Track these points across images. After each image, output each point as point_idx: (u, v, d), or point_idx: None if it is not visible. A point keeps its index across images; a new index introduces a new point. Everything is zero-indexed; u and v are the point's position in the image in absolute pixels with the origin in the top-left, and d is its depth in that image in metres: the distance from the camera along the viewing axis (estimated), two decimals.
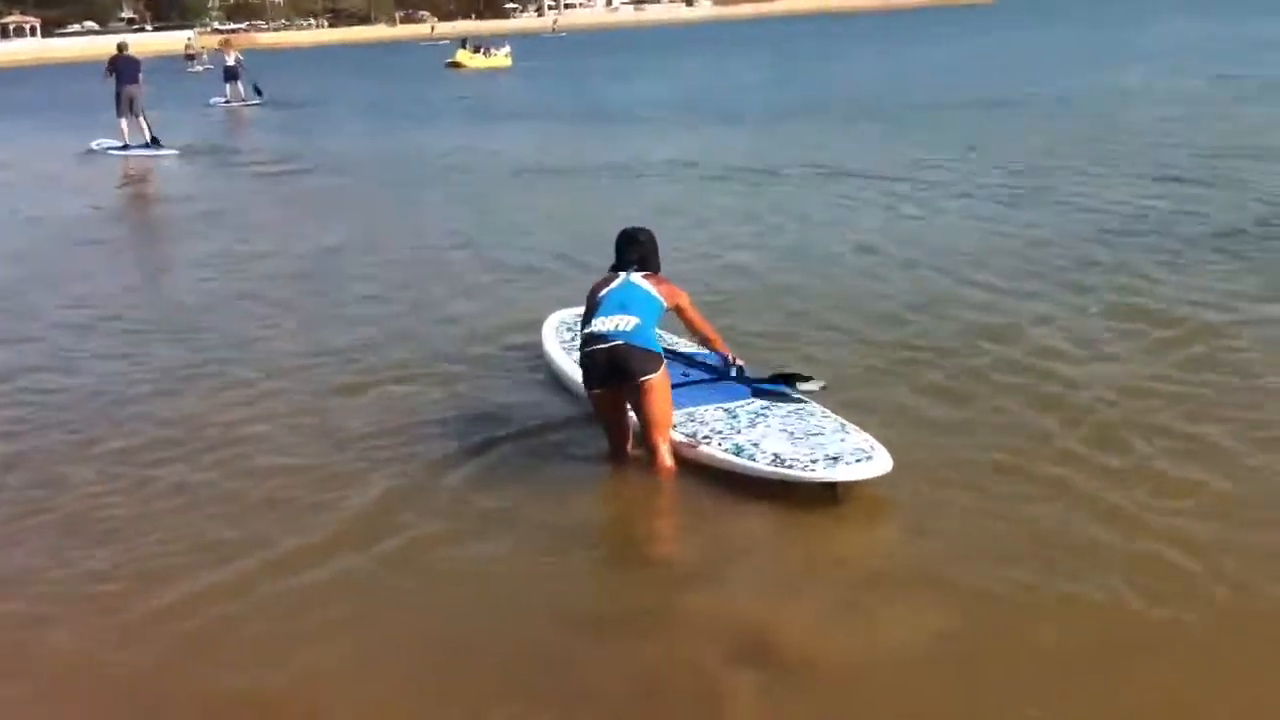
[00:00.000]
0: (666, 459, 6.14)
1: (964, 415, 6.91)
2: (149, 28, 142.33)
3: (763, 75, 38.94)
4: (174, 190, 19.81)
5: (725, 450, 6.00)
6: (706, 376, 6.92)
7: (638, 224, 6.90)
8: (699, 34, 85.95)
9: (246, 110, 35.58)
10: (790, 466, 5.73)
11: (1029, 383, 7.38)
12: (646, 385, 6.07)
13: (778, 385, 6.66)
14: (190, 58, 66.48)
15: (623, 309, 6.22)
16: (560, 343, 7.83)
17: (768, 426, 6.19)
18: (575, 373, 6.98)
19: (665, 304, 6.41)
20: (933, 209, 13.55)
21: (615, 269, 6.57)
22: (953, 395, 7.26)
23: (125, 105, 23.89)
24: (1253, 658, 4.47)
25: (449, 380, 8.11)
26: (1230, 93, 23.48)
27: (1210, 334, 8.19)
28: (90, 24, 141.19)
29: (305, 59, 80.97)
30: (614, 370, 6.09)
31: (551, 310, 8.64)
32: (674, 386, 6.35)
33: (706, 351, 7.02)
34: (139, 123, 23.98)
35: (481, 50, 56.52)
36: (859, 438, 5.98)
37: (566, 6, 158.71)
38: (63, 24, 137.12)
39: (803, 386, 6.61)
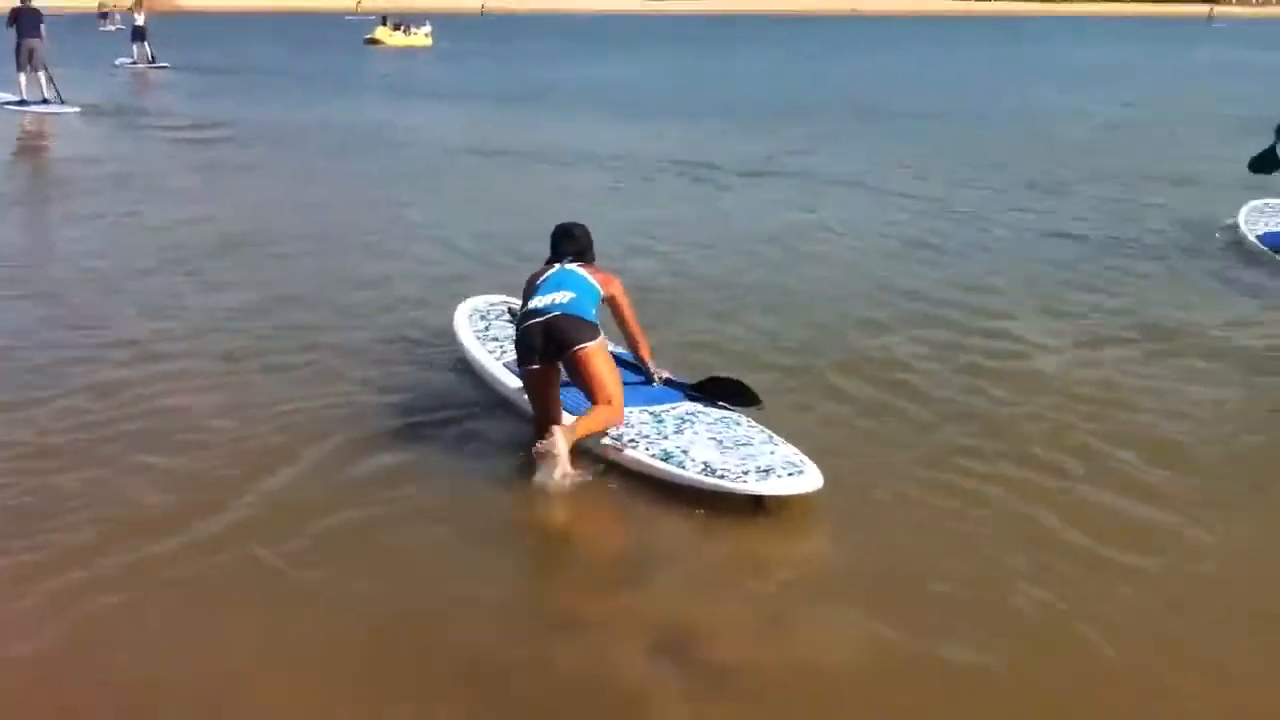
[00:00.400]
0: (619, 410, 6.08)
1: (889, 427, 6.87)
2: None
3: (689, 72, 39.03)
4: (74, 150, 19.11)
5: (653, 455, 5.91)
6: (633, 379, 6.73)
7: (566, 217, 6.82)
8: (623, 25, 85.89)
9: (153, 73, 34.84)
10: (722, 477, 5.66)
11: (956, 394, 7.39)
12: (584, 353, 6.04)
13: (709, 398, 6.59)
14: (103, 16, 65.12)
15: (559, 288, 6.23)
16: (473, 330, 7.67)
17: (695, 433, 6.11)
18: (486, 360, 7.13)
19: (601, 291, 6.37)
20: (851, 212, 13.55)
21: (550, 262, 6.54)
22: (878, 406, 7.21)
23: (25, 59, 23.26)
24: (1172, 662, 4.56)
25: (360, 361, 7.92)
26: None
27: (1133, 346, 8.29)
28: None
29: (223, 25, 79.58)
30: (549, 341, 6.06)
31: (460, 295, 8.52)
32: None
33: (629, 353, 6.90)
34: (38, 78, 23.40)
35: (401, 28, 56.38)
36: (787, 450, 5.93)
37: None
38: None
39: (733, 407, 6.51)
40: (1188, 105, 26.82)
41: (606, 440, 6.06)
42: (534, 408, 6.28)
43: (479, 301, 8.22)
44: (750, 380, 6.70)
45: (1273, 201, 11.95)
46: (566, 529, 5.89)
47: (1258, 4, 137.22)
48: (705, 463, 5.77)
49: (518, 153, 18.43)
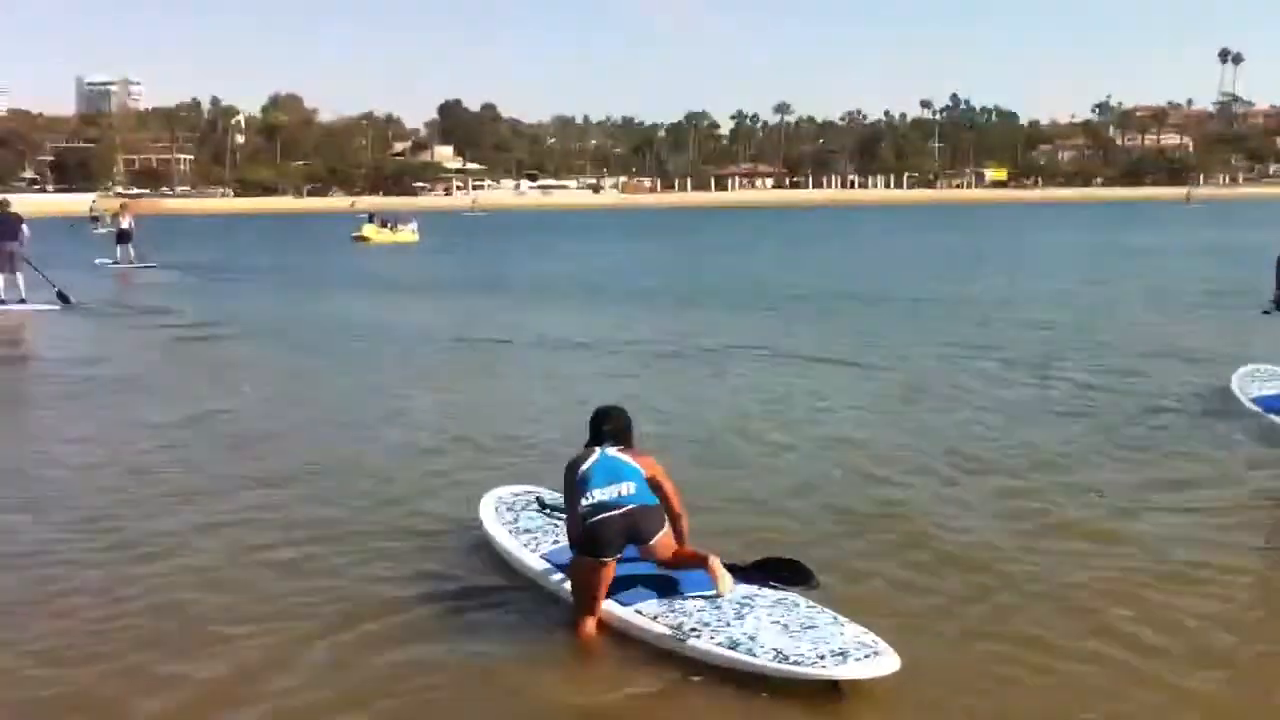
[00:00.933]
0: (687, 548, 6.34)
1: (950, 604, 6.70)
2: (50, 188, 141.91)
3: (659, 262, 39.73)
4: (62, 351, 19.04)
5: (719, 644, 5.74)
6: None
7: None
8: (605, 220, 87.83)
9: (140, 273, 35.26)
10: (797, 664, 5.50)
11: (997, 562, 7.28)
12: (662, 543, 6.27)
13: (764, 578, 6.43)
14: (94, 219, 66.41)
15: (617, 477, 6.28)
16: (503, 523, 7.57)
17: (757, 619, 5.94)
18: (521, 554, 7.08)
19: (645, 474, 6.38)
20: (835, 392, 13.53)
21: (590, 445, 6.55)
22: (930, 582, 7.04)
23: (4, 261, 23.93)
24: None
25: (379, 553, 7.73)
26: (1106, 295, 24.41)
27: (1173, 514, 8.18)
28: None
29: (211, 227, 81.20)
30: (630, 534, 6.17)
31: (471, 484, 8.50)
32: (649, 574, 6.36)
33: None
34: (15, 279, 24.01)
35: (388, 225, 57.85)
36: (855, 630, 5.80)
37: (475, 188, 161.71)
38: None
39: (790, 587, 6.35)
40: (1163, 283, 27.25)
41: (667, 632, 5.93)
42: (583, 597, 6.26)
43: (504, 493, 8.15)
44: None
45: (1262, 367, 12.35)
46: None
47: (1225, 185, 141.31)
48: (777, 649, 5.62)
49: (509, 341, 18.51)
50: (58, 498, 9.29)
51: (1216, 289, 24.42)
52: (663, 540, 6.27)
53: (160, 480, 9.79)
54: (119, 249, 37.28)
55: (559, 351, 17.47)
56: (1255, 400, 11.34)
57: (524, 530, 7.45)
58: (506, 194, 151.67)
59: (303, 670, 5.95)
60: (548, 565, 6.85)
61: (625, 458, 6.41)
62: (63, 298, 24.42)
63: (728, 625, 5.89)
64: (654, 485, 6.42)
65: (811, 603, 6.15)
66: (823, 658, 5.50)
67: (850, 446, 10.72)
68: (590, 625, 6.18)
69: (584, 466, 6.36)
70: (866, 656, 5.50)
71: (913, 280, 29.40)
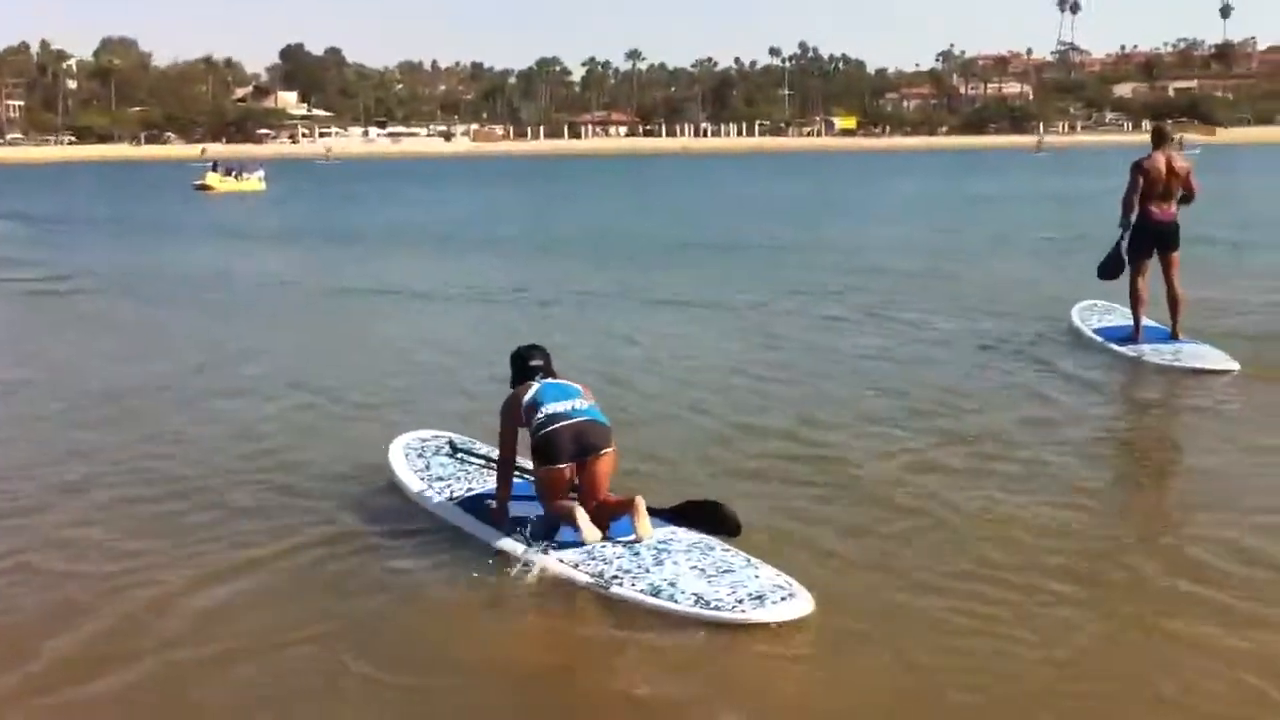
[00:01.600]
0: (612, 496, 6.52)
1: (849, 544, 6.76)
2: None
3: (516, 211, 39.55)
4: None
5: (642, 591, 5.87)
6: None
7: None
8: (458, 169, 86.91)
9: None
10: (717, 609, 5.66)
11: (908, 508, 7.32)
12: (608, 455, 6.52)
13: (688, 523, 6.57)
14: None
15: (567, 395, 6.60)
16: (414, 470, 7.57)
17: (675, 564, 6.09)
18: (437, 500, 7.14)
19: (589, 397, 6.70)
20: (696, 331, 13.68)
21: (524, 380, 6.79)
22: (840, 520, 7.15)
23: None
24: None
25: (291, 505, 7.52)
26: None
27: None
28: None
29: (45, 175, 78.13)
30: (578, 444, 6.44)
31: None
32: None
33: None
34: None
35: (233, 174, 56.25)
36: (770, 572, 5.96)
37: (322, 135, 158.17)
38: None
39: (715, 535, 6.45)
40: (1005, 229, 28.02)
41: (587, 578, 6.04)
42: (556, 501, 6.50)
43: (411, 438, 8.10)
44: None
45: (1098, 303, 13.48)
46: (562, 665, 5.63)
47: (1066, 134, 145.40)
48: (697, 594, 5.77)
49: (364, 291, 18.27)
50: None
51: (1056, 235, 25.28)
52: (609, 456, 6.52)
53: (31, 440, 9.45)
54: None
55: (420, 301, 17.31)
56: (1096, 331, 12.59)
57: (437, 478, 7.45)
58: (360, 143, 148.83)
59: (217, 617, 5.86)
60: (460, 511, 6.94)
61: (567, 381, 6.76)
62: None
63: (647, 571, 6.03)
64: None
65: (726, 546, 6.31)
66: (740, 602, 5.68)
67: (724, 388, 10.82)
68: (581, 514, 6.33)
69: (528, 395, 6.61)
70: (782, 599, 5.69)
71: (766, 228, 29.70)
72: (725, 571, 6.00)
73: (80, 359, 12.89)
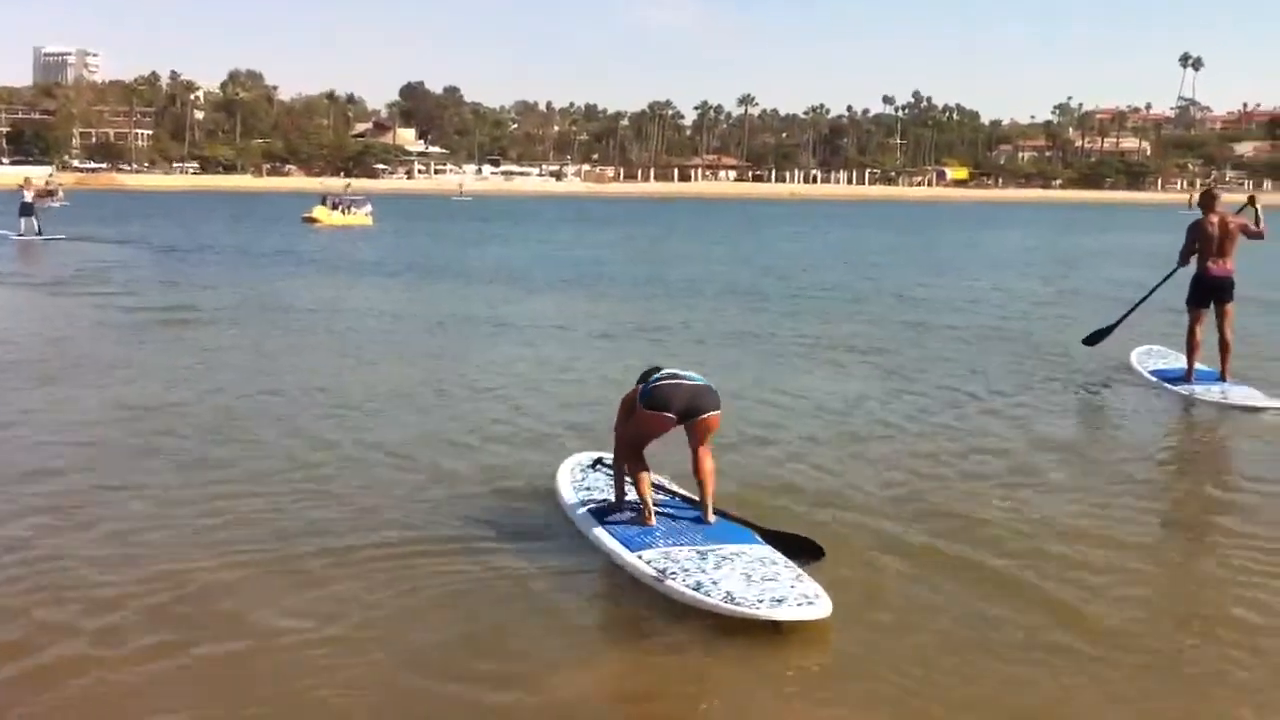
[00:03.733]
0: (711, 462, 7.39)
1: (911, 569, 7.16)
2: (5, 161, 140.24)
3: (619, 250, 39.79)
4: (24, 329, 18.88)
5: (686, 585, 6.47)
6: (690, 513, 7.53)
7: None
8: (573, 207, 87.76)
9: (40, 245, 36.57)
10: (740, 605, 6.20)
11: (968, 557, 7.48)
12: (716, 417, 7.33)
13: (780, 547, 7.08)
14: (50, 194, 66.05)
15: (688, 373, 7.44)
16: (570, 482, 8.31)
17: (731, 569, 6.66)
18: (575, 508, 7.81)
19: None
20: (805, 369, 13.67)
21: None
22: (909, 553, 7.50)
23: None
24: None
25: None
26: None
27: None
28: None
29: (171, 203, 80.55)
30: (691, 403, 7.23)
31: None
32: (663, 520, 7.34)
33: (684, 501, 7.76)
34: None
35: (340, 208, 56.78)
36: (808, 584, 6.44)
37: (437, 172, 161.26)
38: None
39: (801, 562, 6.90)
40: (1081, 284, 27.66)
41: (651, 572, 6.68)
42: (637, 446, 7.39)
43: (582, 457, 8.87)
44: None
45: (1154, 348, 14.94)
46: (602, 645, 6.27)
47: (1185, 190, 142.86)
48: (729, 592, 6.33)
49: (456, 322, 18.56)
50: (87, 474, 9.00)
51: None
52: (715, 416, 7.30)
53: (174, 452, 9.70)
54: (21, 221, 38.84)
55: (554, 333, 17.54)
56: (1152, 372, 13.87)
57: (584, 488, 8.20)
58: (489, 181, 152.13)
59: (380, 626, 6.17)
60: (589, 517, 7.60)
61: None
62: None
63: (703, 572, 6.62)
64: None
65: (790, 564, 6.77)
66: (763, 602, 6.20)
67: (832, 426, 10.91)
68: (643, 460, 7.38)
69: (651, 379, 7.35)
70: (799, 604, 6.18)
71: (869, 276, 29.62)
72: (769, 580, 6.51)
73: (222, 384, 13.07)
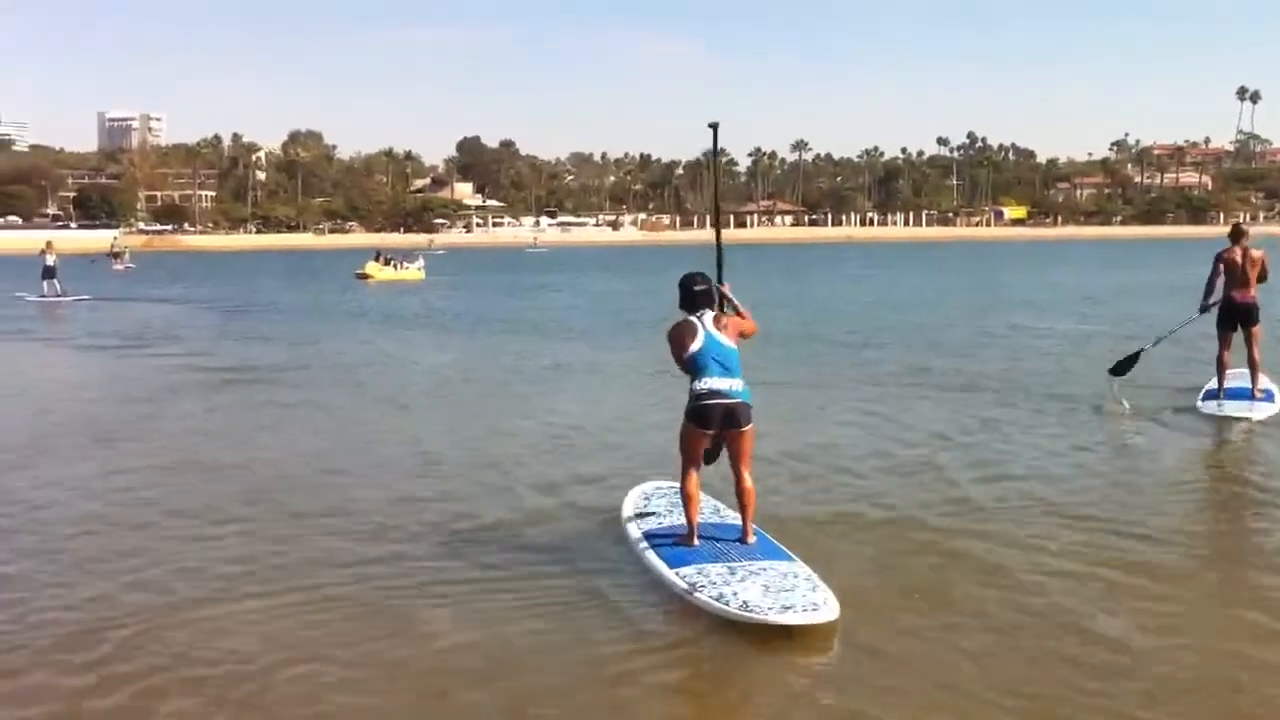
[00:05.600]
0: (749, 482, 7.96)
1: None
2: (73, 225, 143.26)
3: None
4: (78, 386, 19.11)
5: (710, 597, 7.11)
6: (731, 536, 8.16)
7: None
8: (635, 256, 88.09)
9: (62, 306, 38.17)
10: (753, 612, 6.82)
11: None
12: (750, 431, 7.91)
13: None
14: (115, 255, 67.39)
15: (726, 371, 7.84)
16: (634, 509, 8.99)
17: (754, 583, 7.25)
18: (633, 532, 8.50)
19: (735, 344, 7.96)
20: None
21: (689, 308, 8.02)
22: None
23: None
24: None
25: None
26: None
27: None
28: (13, 218, 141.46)
29: (233, 263, 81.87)
30: (727, 420, 7.80)
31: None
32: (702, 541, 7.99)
33: (734, 523, 8.37)
34: None
35: (392, 263, 57.32)
36: (820, 595, 6.99)
37: (495, 225, 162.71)
38: None
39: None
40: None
41: (684, 585, 7.32)
42: (688, 456, 7.99)
43: (648, 486, 9.61)
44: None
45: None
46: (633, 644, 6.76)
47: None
48: (745, 601, 6.95)
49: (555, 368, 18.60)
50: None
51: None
52: (749, 432, 7.88)
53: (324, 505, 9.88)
54: (45, 284, 40.54)
55: (619, 376, 17.53)
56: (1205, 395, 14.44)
57: (644, 514, 8.88)
58: (553, 233, 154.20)
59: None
60: (641, 539, 8.28)
61: (724, 339, 7.91)
62: None
63: (728, 584, 7.25)
64: (741, 337, 8.06)
65: (810, 574, 7.38)
66: (772, 609, 6.81)
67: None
68: (693, 480, 7.98)
69: (694, 346, 7.86)
70: (805, 610, 6.78)
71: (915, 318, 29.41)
72: (785, 590, 7.11)
73: (291, 439, 13.25)
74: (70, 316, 33.91)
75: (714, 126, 8.86)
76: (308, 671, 6.33)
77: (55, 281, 40.43)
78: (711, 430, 7.86)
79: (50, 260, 40.64)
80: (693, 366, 7.88)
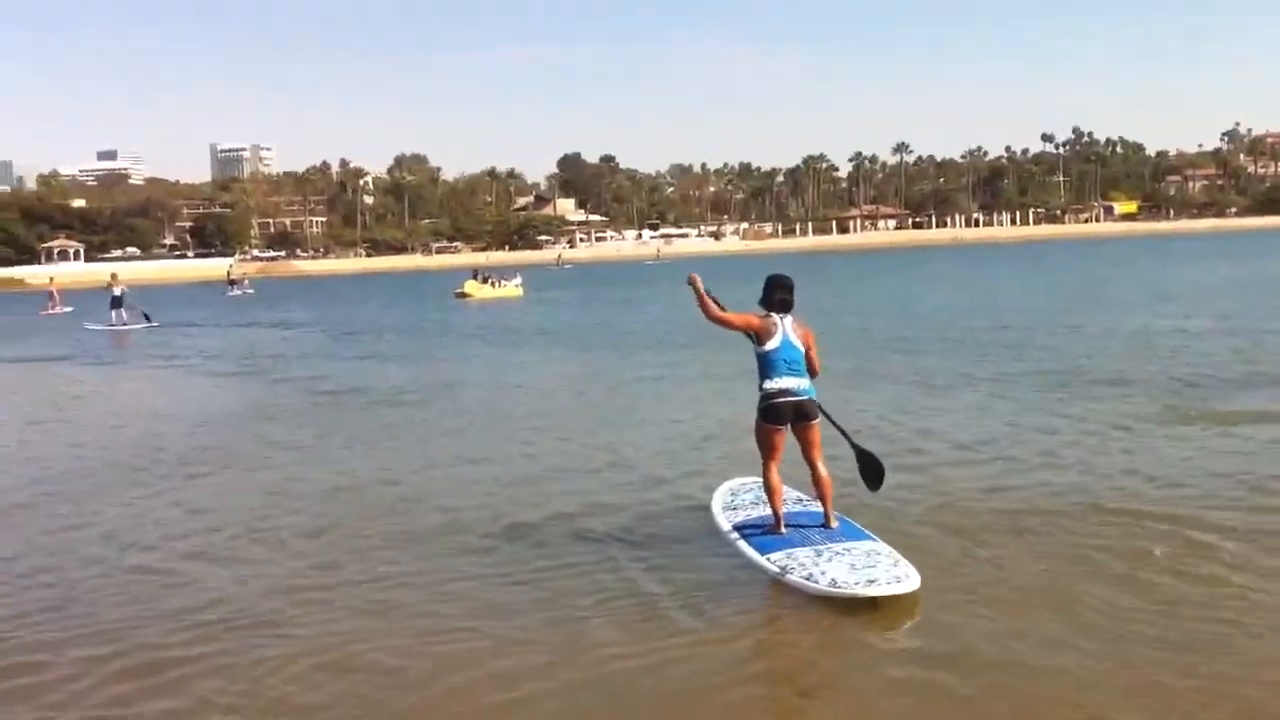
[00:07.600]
0: (825, 471, 8.66)
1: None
2: (190, 254, 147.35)
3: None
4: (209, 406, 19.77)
5: (800, 577, 7.79)
6: (814, 521, 8.79)
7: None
8: (742, 265, 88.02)
9: (131, 333, 39.46)
10: (841, 588, 7.49)
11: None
12: (817, 424, 8.59)
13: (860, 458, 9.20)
14: (232, 283, 69.39)
15: (794, 371, 8.48)
16: (723, 504, 9.63)
17: (840, 562, 7.89)
18: (722, 520, 9.23)
19: (804, 348, 8.55)
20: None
21: (771, 308, 8.64)
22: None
23: None
24: None
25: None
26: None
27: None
28: (133, 250, 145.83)
29: (343, 286, 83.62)
30: (798, 415, 8.47)
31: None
32: (790, 529, 8.60)
33: (817, 511, 8.87)
34: None
35: (490, 281, 57.89)
36: (902, 569, 7.66)
37: (598, 239, 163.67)
38: (105, 249, 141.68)
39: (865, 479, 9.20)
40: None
41: (775, 570, 8.00)
42: (767, 453, 8.59)
43: (734, 483, 10.25)
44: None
45: None
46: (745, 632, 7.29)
47: None
48: (833, 578, 7.62)
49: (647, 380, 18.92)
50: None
51: None
52: (816, 425, 8.54)
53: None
54: (113, 313, 42.19)
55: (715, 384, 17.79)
56: None
57: (732, 507, 9.51)
58: (690, 244, 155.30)
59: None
60: (731, 529, 8.96)
61: (797, 341, 8.53)
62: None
63: (816, 565, 7.88)
64: (806, 351, 8.56)
65: (893, 552, 8.03)
66: (858, 584, 7.47)
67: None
68: (774, 472, 8.59)
69: (770, 345, 8.48)
70: (889, 583, 7.43)
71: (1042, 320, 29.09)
72: (869, 567, 7.74)
73: (408, 459, 13.59)
74: (135, 343, 35.49)
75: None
76: (466, 681, 6.61)
77: (123, 311, 42.22)
78: (784, 425, 8.50)
79: (118, 291, 42.85)
80: (766, 364, 8.52)
